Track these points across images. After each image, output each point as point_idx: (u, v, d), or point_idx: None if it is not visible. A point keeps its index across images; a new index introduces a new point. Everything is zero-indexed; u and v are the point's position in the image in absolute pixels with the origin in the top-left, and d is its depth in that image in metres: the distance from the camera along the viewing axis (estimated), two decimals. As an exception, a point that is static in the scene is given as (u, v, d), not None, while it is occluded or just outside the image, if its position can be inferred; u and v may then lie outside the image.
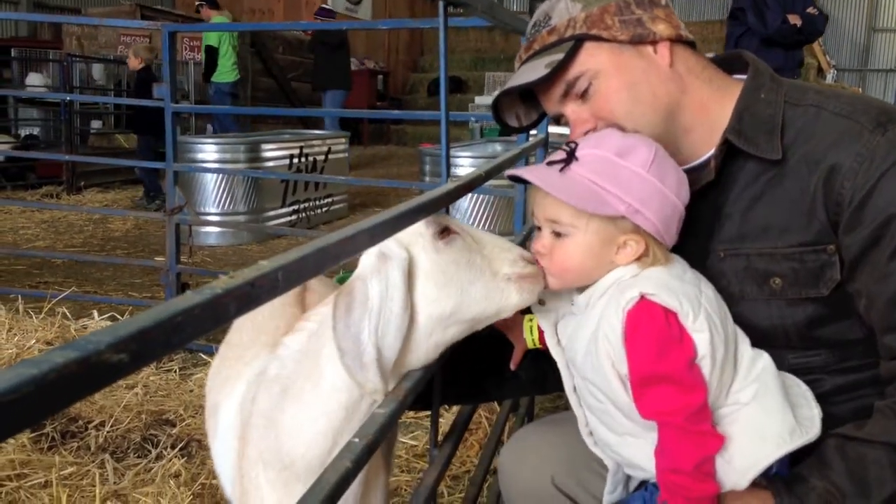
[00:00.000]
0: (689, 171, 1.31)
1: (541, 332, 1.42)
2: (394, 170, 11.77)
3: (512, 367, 1.49)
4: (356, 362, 1.08)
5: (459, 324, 1.18)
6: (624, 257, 1.18)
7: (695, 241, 1.30)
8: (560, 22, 1.31)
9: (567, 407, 1.40)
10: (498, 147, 7.04)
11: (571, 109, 1.33)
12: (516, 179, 1.28)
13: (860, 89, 18.23)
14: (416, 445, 2.68)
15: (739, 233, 1.28)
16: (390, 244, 1.14)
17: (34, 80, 10.37)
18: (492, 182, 5.36)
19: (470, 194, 5.42)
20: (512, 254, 1.22)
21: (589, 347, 1.18)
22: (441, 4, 1.30)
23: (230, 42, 9.66)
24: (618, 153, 1.18)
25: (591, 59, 1.29)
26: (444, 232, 1.18)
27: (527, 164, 2.93)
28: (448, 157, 1.43)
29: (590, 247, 1.18)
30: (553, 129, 3.00)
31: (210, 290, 0.59)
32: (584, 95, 1.30)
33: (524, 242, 2.48)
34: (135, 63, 7.92)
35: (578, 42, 1.29)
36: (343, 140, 7.91)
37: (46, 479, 2.47)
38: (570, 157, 1.20)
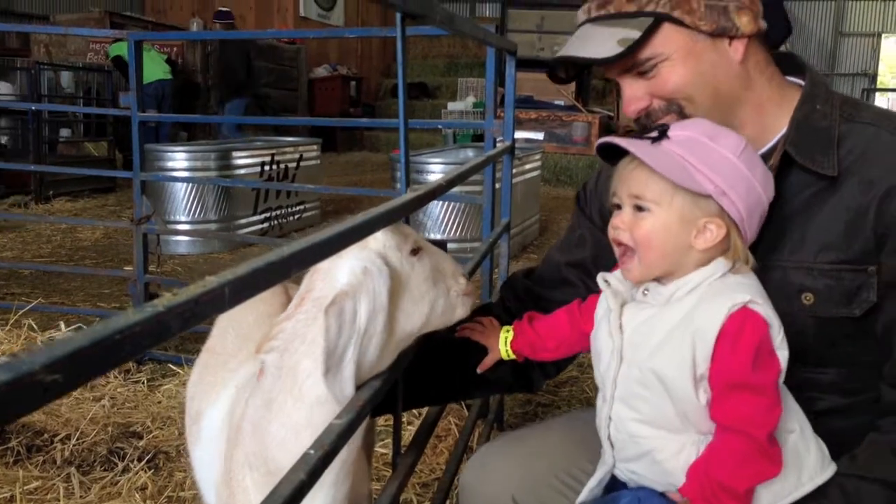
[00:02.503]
0: None
1: (513, 344, 1.44)
2: (367, 176, 11.75)
3: (479, 370, 1.50)
4: (336, 377, 1.09)
5: (419, 334, 1.24)
6: (703, 241, 1.15)
7: None
8: None
9: (535, 418, 1.40)
10: (470, 153, 7.06)
11: (628, 83, 1.30)
12: (604, 151, 1.24)
13: (827, 93, 18.48)
14: (385, 453, 2.68)
15: (778, 243, 1.27)
16: (374, 259, 1.15)
17: (1, 88, 10.23)
18: (462, 188, 5.33)
19: (440, 201, 5.43)
20: (455, 269, 1.28)
21: (671, 338, 1.14)
22: (398, 16, 1.31)
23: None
24: (709, 136, 1.17)
25: (666, 42, 1.24)
26: (416, 248, 1.21)
27: (493, 171, 2.94)
28: (408, 166, 1.43)
29: (670, 225, 1.16)
30: (519, 134, 3.01)
31: (151, 308, 0.59)
32: (646, 73, 1.27)
33: (491, 249, 2.50)
34: None
35: (657, 21, 1.23)
36: (315, 147, 7.88)
37: (11, 494, 2.44)
38: (663, 135, 1.18)
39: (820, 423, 1.22)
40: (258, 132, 10.75)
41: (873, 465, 1.17)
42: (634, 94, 1.29)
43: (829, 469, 1.19)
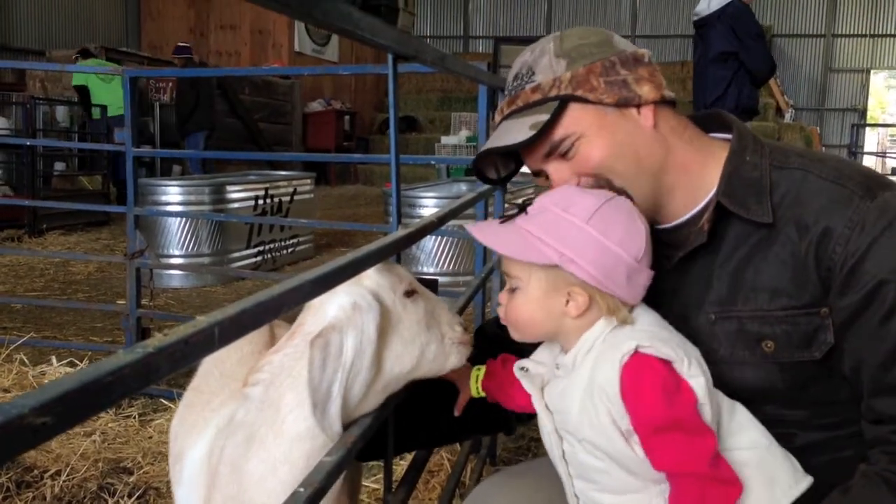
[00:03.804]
0: (673, 230, 1.34)
1: (484, 383, 1.45)
2: (361, 209, 11.79)
3: (456, 412, 1.50)
4: (324, 413, 1.09)
5: (410, 378, 1.24)
6: (574, 309, 1.19)
7: (685, 305, 1.32)
8: (545, 80, 1.30)
9: (528, 452, 1.41)
10: (463, 187, 7.09)
11: (554, 168, 1.33)
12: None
13: (818, 128, 18.68)
14: (377, 489, 2.66)
15: (730, 295, 1.29)
16: (365, 294, 1.16)
17: (-3, 122, 10.29)
18: (456, 222, 5.35)
19: (433, 235, 5.45)
20: (452, 317, 1.30)
21: (584, 405, 1.17)
22: (389, 56, 1.33)
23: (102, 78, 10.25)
24: (561, 206, 1.20)
25: (576, 121, 1.29)
26: (411, 290, 1.22)
27: (486, 206, 2.97)
28: (399, 203, 1.45)
29: (535, 298, 1.21)
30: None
31: (142, 349, 0.59)
32: (566, 154, 1.31)
33: (483, 284, 2.51)
34: None
35: (563, 103, 1.29)
36: (309, 181, 7.92)
37: (-1, 532, 2.42)
38: (521, 210, 1.23)
39: (800, 459, 1.23)
40: (252, 166, 10.80)
41: (866, 496, 1.18)
42: (561, 177, 1.33)
43: (804, 482, 1.19)
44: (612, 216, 1.20)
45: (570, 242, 1.17)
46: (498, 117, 1.40)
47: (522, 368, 1.33)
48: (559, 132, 1.29)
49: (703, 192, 1.33)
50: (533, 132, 1.28)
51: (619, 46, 1.33)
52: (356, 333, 1.12)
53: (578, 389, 1.18)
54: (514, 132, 1.31)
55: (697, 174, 1.33)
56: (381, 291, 1.18)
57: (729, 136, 1.38)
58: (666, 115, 1.34)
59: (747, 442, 1.19)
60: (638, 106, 1.30)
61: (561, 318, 1.21)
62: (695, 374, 1.14)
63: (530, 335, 1.27)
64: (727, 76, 5.86)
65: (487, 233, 1.24)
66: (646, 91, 1.29)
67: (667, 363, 1.13)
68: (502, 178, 1.52)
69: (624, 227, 1.20)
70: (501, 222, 1.24)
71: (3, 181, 9.33)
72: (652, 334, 1.16)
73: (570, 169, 1.31)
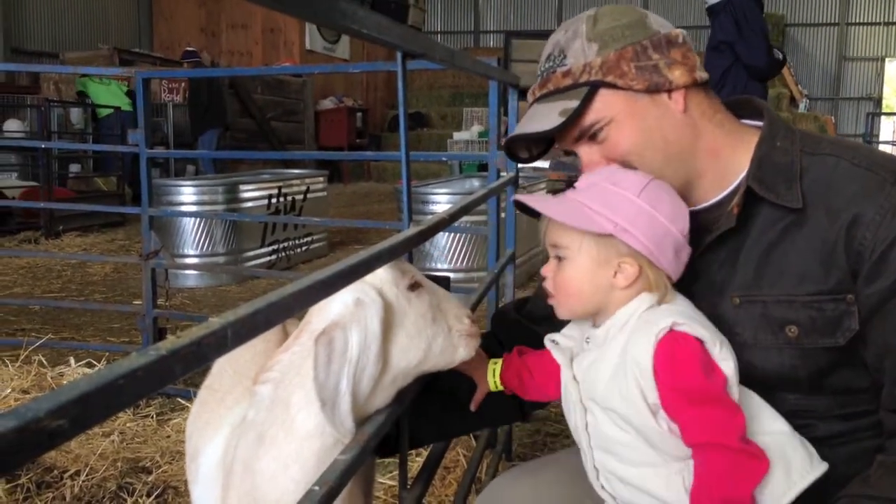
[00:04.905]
0: (702, 213, 1.34)
1: (502, 376, 1.46)
2: (374, 206, 11.81)
3: (473, 407, 1.51)
4: (334, 411, 1.10)
5: (419, 372, 1.24)
6: (622, 280, 1.21)
7: (710, 288, 1.32)
8: (576, 65, 1.31)
9: (543, 447, 1.41)
10: (475, 182, 7.09)
11: (584, 151, 1.35)
12: (520, 207, 1.33)
13: (833, 118, 18.54)
14: (393, 486, 2.67)
15: (756, 279, 1.29)
16: (367, 290, 1.16)
17: (12, 126, 10.36)
18: (468, 218, 5.35)
19: (445, 232, 5.45)
20: (460, 310, 1.29)
21: (615, 377, 1.19)
22: (399, 54, 1.33)
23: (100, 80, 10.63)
24: (610, 181, 1.24)
25: (606, 107, 1.30)
26: (414, 284, 1.22)
27: (497, 202, 2.97)
28: (410, 201, 1.45)
29: (585, 268, 1.23)
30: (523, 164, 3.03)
31: (155, 351, 0.60)
32: (596, 137, 1.32)
33: (496, 279, 2.51)
34: None
35: (593, 89, 1.29)
36: (322, 179, 7.94)
37: (20, 532, 2.45)
38: (569, 186, 1.26)
39: (821, 450, 1.23)
40: (265, 165, 10.85)
41: (884, 485, 1.18)
42: (591, 160, 1.34)
43: (819, 467, 1.20)
44: (659, 192, 1.23)
45: (623, 213, 1.20)
46: (530, 98, 1.41)
47: (553, 341, 1.35)
48: (589, 118, 1.30)
49: (732, 177, 1.33)
50: (562, 119, 1.29)
51: (652, 28, 1.32)
52: (360, 329, 1.12)
53: (609, 362, 1.21)
54: (544, 117, 1.32)
55: (727, 158, 1.33)
56: (384, 286, 1.19)
57: (759, 122, 1.38)
58: (698, 99, 1.33)
59: (767, 428, 1.20)
60: (669, 91, 1.30)
61: (607, 291, 1.23)
62: (725, 357, 1.17)
63: (574, 307, 1.27)
64: (723, 65, 5.81)
65: (540, 202, 1.25)
66: (677, 76, 1.29)
67: (700, 342, 1.16)
68: (534, 156, 1.52)
69: (670, 203, 1.23)
70: (555, 194, 1.26)
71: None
72: (688, 314, 1.19)
73: (600, 152, 1.33)
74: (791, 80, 17.06)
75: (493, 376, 1.46)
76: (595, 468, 1.29)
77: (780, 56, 5.89)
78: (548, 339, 1.36)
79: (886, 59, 20.43)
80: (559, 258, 1.26)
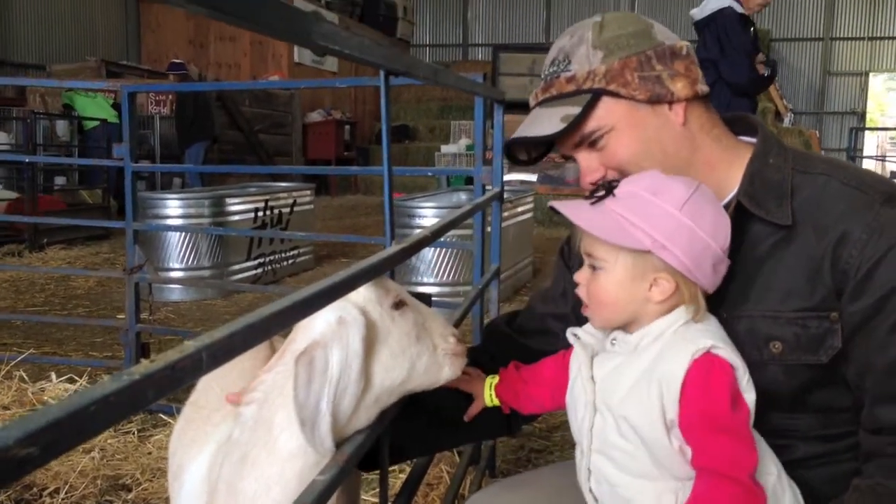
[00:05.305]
0: None
1: (497, 389, 1.45)
2: (361, 219, 11.80)
3: (466, 418, 1.51)
4: (314, 431, 1.09)
5: (402, 392, 1.23)
6: (658, 294, 1.19)
7: None
8: (580, 71, 1.32)
9: (528, 463, 1.41)
10: (463, 196, 7.09)
11: (583, 157, 1.36)
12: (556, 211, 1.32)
13: (817, 132, 18.69)
14: (375, 503, 2.65)
15: (743, 294, 1.29)
16: (350, 309, 1.16)
17: (-3, 138, 10.31)
18: (453, 233, 5.34)
19: (431, 246, 5.44)
20: (445, 328, 1.28)
21: (637, 386, 1.17)
22: (382, 73, 1.34)
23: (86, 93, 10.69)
24: (651, 191, 1.21)
25: (608, 115, 1.31)
26: (399, 302, 1.22)
27: (483, 217, 2.97)
28: (392, 217, 1.45)
29: (621, 281, 1.21)
30: (508, 177, 3.04)
31: (127, 376, 0.59)
32: (596, 144, 1.33)
33: (481, 294, 2.51)
34: None
35: (596, 97, 1.30)
36: (309, 192, 7.93)
37: (-1, 550, 2.42)
38: (608, 192, 1.24)
39: (798, 471, 1.23)
40: (252, 178, 10.84)
41: None
42: (590, 166, 1.35)
43: None
44: (702, 205, 1.21)
45: (663, 229, 1.17)
46: (532, 101, 1.42)
47: (575, 335, 1.33)
48: (590, 125, 1.31)
49: (725, 191, 1.34)
50: (564, 125, 1.30)
51: (657, 38, 1.33)
52: (341, 348, 1.11)
53: (636, 370, 1.19)
54: (546, 122, 1.33)
55: (723, 173, 1.35)
56: (367, 305, 1.18)
57: (754, 139, 1.39)
58: (698, 112, 1.34)
59: (766, 469, 1.19)
60: (670, 102, 1.31)
61: (642, 303, 1.21)
62: (748, 390, 1.16)
63: (609, 316, 1.25)
64: (708, 82, 5.82)
65: (578, 213, 1.22)
66: (679, 88, 1.30)
67: (734, 369, 1.15)
68: (533, 158, 1.52)
69: (712, 217, 1.21)
70: (591, 203, 1.23)
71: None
72: (723, 338, 1.18)
73: (599, 160, 1.34)
74: (776, 94, 17.20)
75: (490, 390, 1.46)
76: (588, 469, 1.28)
77: (768, 72, 5.90)
78: (570, 333, 1.34)
79: (870, 74, 20.66)
80: (593, 267, 1.24)
